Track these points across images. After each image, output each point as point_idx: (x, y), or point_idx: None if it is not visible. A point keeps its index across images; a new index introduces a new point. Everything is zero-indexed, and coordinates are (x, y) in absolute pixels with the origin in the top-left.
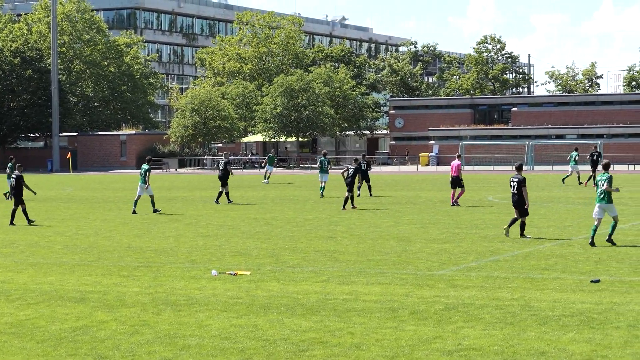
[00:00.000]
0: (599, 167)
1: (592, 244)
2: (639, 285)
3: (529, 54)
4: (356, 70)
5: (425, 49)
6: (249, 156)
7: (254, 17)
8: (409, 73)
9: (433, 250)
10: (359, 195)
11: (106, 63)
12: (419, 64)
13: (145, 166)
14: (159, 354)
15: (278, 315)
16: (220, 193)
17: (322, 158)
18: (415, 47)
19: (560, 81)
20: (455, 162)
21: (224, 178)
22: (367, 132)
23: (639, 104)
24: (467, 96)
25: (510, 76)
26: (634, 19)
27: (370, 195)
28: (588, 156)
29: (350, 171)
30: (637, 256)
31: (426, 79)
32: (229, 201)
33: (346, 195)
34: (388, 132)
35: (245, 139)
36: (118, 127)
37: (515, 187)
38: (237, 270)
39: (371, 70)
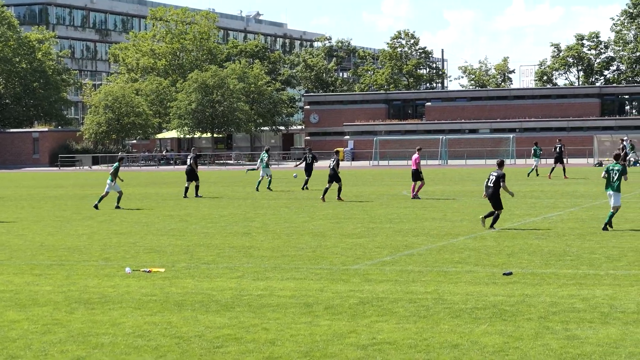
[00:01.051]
0: (611, 157)
1: (606, 227)
2: (550, 277)
3: (442, 49)
4: (271, 66)
5: (340, 44)
6: (164, 153)
7: (167, 13)
8: (324, 68)
9: (348, 245)
10: (306, 188)
11: (18, 59)
12: (334, 59)
13: (115, 164)
14: (71, 352)
15: (192, 312)
16: (187, 188)
17: (264, 153)
18: (329, 42)
19: (473, 76)
20: (415, 156)
21: (191, 173)
22: (282, 127)
23: (550, 98)
24: (382, 91)
25: (424, 71)
26: (545, 14)
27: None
28: (553, 149)
29: (332, 164)
30: (549, 248)
31: (341, 74)
32: (197, 195)
33: (326, 186)
34: (303, 127)
35: (159, 136)
36: (30, 124)
37: (493, 182)
38: (151, 268)
39: (286, 65)
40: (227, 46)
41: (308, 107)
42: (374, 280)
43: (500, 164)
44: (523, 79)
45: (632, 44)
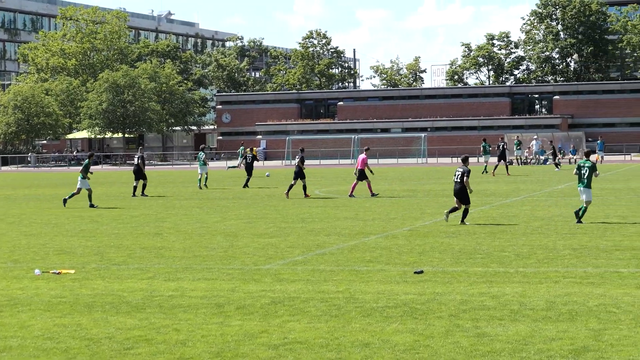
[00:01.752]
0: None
1: (578, 219)
2: (461, 275)
3: (354, 49)
4: (183, 66)
5: (252, 44)
6: (75, 153)
7: (77, 12)
8: (236, 68)
9: (260, 245)
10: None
11: None
12: (246, 59)
13: (85, 161)
14: None
15: (103, 314)
16: (135, 187)
17: (201, 152)
18: (241, 42)
19: (385, 75)
20: (363, 156)
21: (138, 172)
22: (194, 127)
23: (461, 97)
24: (294, 91)
25: (336, 71)
26: (456, 14)
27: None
28: (497, 147)
29: (297, 161)
30: (459, 247)
31: (253, 74)
32: (143, 194)
33: (292, 183)
34: (215, 127)
35: (70, 136)
36: None
37: (459, 177)
38: (61, 269)
39: (198, 65)
40: (139, 46)
41: (220, 106)
42: (285, 280)
43: (465, 160)
44: (434, 79)
45: (541, 43)
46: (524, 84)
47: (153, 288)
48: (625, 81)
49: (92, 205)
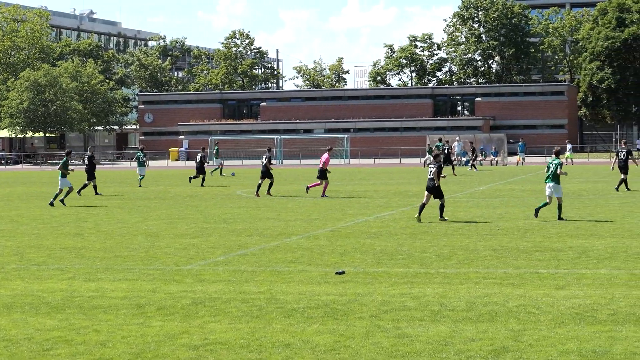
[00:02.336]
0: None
1: (536, 214)
2: (382, 276)
3: (277, 50)
4: (105, 65)
5: (175, 43)
6: None
7: None
8: (158, 68)
9: (181, 245)
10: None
11: None
12: (168, 58)
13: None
14: None
15: (22, 315)
16: (85, 185)
17: (140, 152)
18: (164, 41)
19: (308, 76)
20: (326, 155)
21: (90, 172)
22: (116, 127)
23: (383, 98)
24: (217, 91)
25: (259, 71)
26: (379, 15)
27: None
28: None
29: (265, 160)
30: (381, 247)
31: (176, 73)
32: (96, 193)
33: (259, 182)
34: (137, 127)
35: None
36: None
37: (432, 173)
38: None
39: (120, 64)
40: (60, 44)
41: (142, 106)
42: (207, 281)
43: (436, 157)
44: (357, 80)
45: (463, 45)
46: (446, 86)
47: (73, 289)
48: (547, 83)
49: (62, 201)
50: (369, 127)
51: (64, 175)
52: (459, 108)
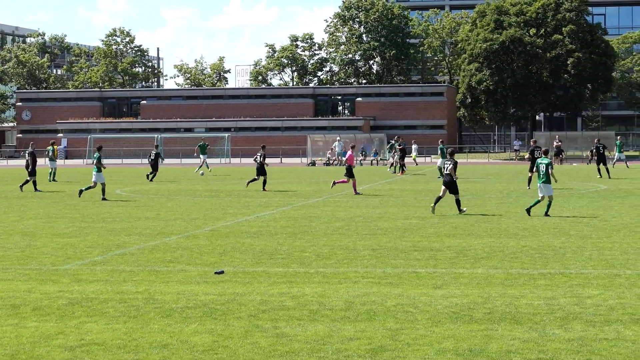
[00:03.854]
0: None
1: (528, 212)
2: (261, 275)
3: (158, 48)
4: None
5: (54, 40)
6: None
7: None
8: (37, 65)
9: (58, 245)
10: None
11: None
12: (47, 55)
13: (96, 154)
14: None
15: None
16: (27, 181)
17: (50, 147)
18: (43, 38)
19: (189, 75)
20: (349, 152)
21: (30, 167)
22: None
23: (265, 98)
24: (96, 89)
25: (139, 69)
26: (261, 14)
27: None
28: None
29: (259, 157)
30: (260, 247)
31: (55, 71)
32: (36, 190)
33: (254, 178)
34: (15, 125)
35: None
36: None
37: (448, 169)
38: None
39: None
40: None
41: (20, 104)
42: (84, 281)
43: (452, 154)
44: (239, 79)
45: (344, 46)
46: (327, 86)
47: None
48: (426, 84)
49: (104, 199)
50: (250, 127)
51: (99, 170)
52: (340, 108)
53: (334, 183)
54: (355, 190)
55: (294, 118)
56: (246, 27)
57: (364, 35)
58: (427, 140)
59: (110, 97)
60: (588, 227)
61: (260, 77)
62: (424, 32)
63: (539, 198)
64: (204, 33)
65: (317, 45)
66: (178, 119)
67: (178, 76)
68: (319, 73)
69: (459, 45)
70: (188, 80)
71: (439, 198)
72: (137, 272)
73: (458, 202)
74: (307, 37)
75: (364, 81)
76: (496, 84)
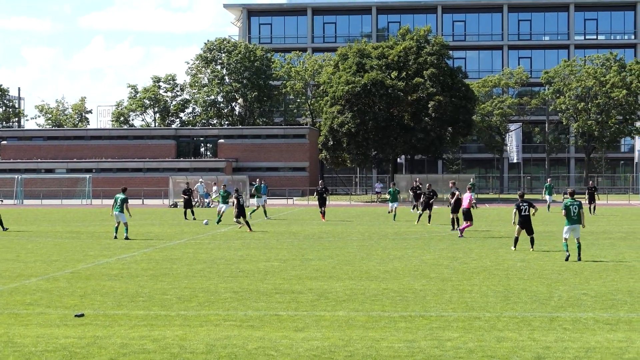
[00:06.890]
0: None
1: (567, 259)
2: (122, 318)
3: (19, 87)
4: None
5: None
6: None
7: None
8: None
9: None
10: None
11: None
12: None
13: (121, 195)
14: None
15: None
16: None
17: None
18: None
19: (50, 115)
20: (468, 194)
21: None
22: None
23: (127, 139)
24: None
25: (0, 110)
26: (125, 55)
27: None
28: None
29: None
30: (121, 290)
31: None
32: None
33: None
34: None
35: None
36: None
37: (526, 210)
38: None
39: None
40: None
41: None
42: None
43: (522, 196)
44: (101, 119)
45: (206, 87)
46: (189, 127)
47: None
48: (289, 126)
49: (127, 238)
50: (111, 168)
51: (121, 211)
52: (202, 149)
53: (461, 231)
54: (461, 233)
55: (156, 159)
56: (108, 67)
57: (226, 77)
58: (290, 183)
59: None
60: (448, 270)
61: (122, 118)
62: (286, 74)
63: (574, 241)
64: (66, 73)
65: (179, 86)
66: (39, 160)
67: (39, 116)
68: (182, 114)
69: (321, 88)
70: (49, 121)
71: (516, 239)
72: None
73: (532, 241)
74: (169, 78)
75: (226, 123)
76: (358, 126)
